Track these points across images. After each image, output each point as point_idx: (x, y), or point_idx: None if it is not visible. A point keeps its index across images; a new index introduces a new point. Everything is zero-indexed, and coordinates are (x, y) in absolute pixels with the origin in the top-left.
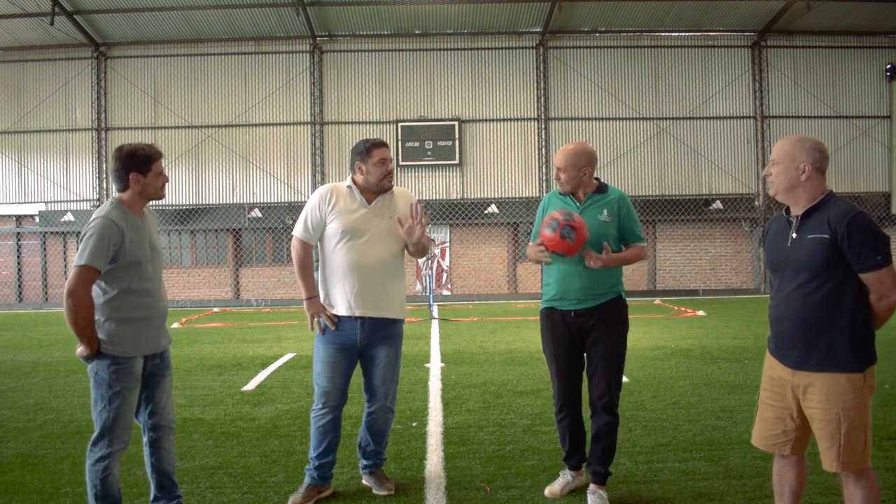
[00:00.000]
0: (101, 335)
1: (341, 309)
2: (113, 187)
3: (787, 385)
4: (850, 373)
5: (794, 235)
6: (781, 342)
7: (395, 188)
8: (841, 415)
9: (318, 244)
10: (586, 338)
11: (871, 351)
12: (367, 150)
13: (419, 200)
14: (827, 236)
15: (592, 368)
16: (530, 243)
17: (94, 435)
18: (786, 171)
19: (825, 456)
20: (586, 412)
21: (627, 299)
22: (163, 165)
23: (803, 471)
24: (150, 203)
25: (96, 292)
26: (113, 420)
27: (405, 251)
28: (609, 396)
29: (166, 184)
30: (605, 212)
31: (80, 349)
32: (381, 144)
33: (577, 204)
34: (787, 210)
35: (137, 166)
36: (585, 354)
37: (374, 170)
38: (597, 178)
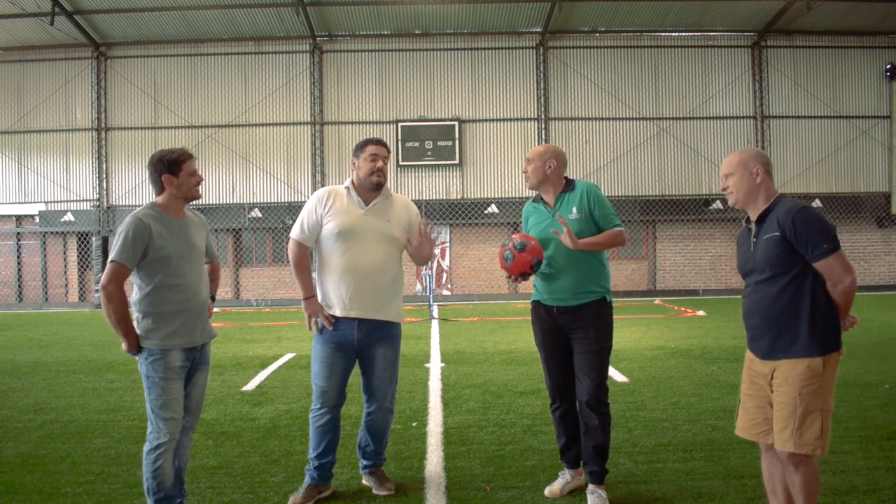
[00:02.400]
0: (139, 330)
1: (337, 310)
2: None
3: (760, 375)
4: (810, 357)
5: (755, 240)
6: (753, 336)
7: (394, 194)
8: (798, 398)
9: (317, 245)
10: (569, 334)
11: (833, 339)
12: (361, 146)
13: (418, 201)
14: (777, 233)
15: (578, 366)
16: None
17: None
18: (742, 178)
19: (779, 436)
20: None
21: (627, 299)
22: (195, 166)
23: None
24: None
25: (135, 288)
26: (156, 411)
27: (406, 254)
28: (594, 394)
29: (200, 183)
30: (574, 210)
31: (122, 345)
32: (376, 142)
33: (549, 209)
34: (748, 220)
35: (168, 168)
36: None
37: (364, 164)
38: (565, 178)
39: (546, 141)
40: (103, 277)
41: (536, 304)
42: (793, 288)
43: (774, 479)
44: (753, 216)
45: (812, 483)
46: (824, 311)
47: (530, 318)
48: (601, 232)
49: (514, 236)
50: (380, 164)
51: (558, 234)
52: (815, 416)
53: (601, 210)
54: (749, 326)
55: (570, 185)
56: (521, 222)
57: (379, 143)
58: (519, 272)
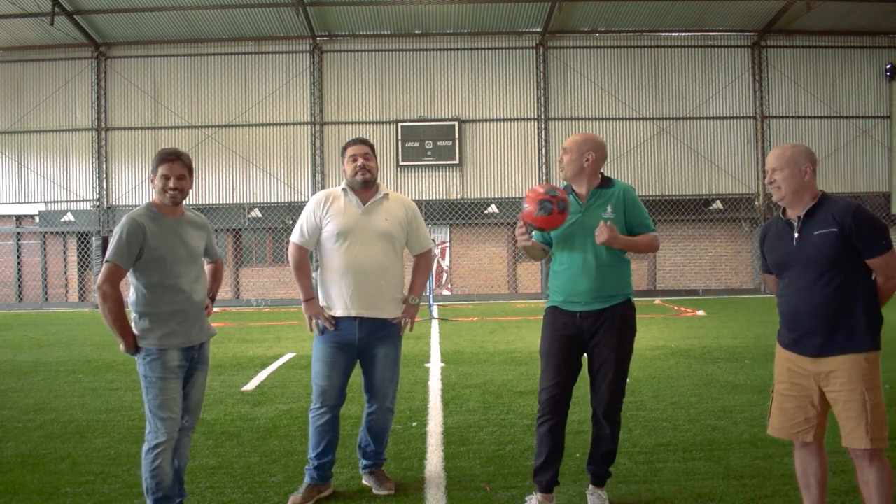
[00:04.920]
0: (136, 330)
1: (338, 310)
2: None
3: (808, 375)
4: (868, 351)
5: (798, 235)
6: (801, 335)
7: (392, 193)
8: (865, 394)
9: (317, 247)
10: (590, 340)
11: (879, 333)
12: (343, 149)
13: (418, 201)
14: (835, 230)
15: (595, 373)
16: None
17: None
18: (792, 175)
19: (854, 435)
20: (570, 425)
21: None
22: (176, 170)
23: (824, 460)
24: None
25: (132, 289)
26: (154, 410)
27: (406, 252)
28: (612, 403)
29: (176, 190)
30: (608, 209)
31: (120, 345)
32: (353, 143)
33: (580, 202)
34: (784, 212)
35: (152, 168)
36: (587, 357)
37: (348, 166)
38: (601, 173)
39: (546, 141)
40: (99, 278)
41: (553, 310)
42: (848, 284)
43: (808, 474)
44: (797, 212)
45: (887, 480)
46: (875, 305)
47: (542, 324)
48: (631, 233)
49: (543, 191)
50: (360, 161)
51: (604, 234)
52: (880, 409)
53: (637, 214)
54: (795, 326)
55: (607, 182)
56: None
57: (357, 142)
58: (540, 226)
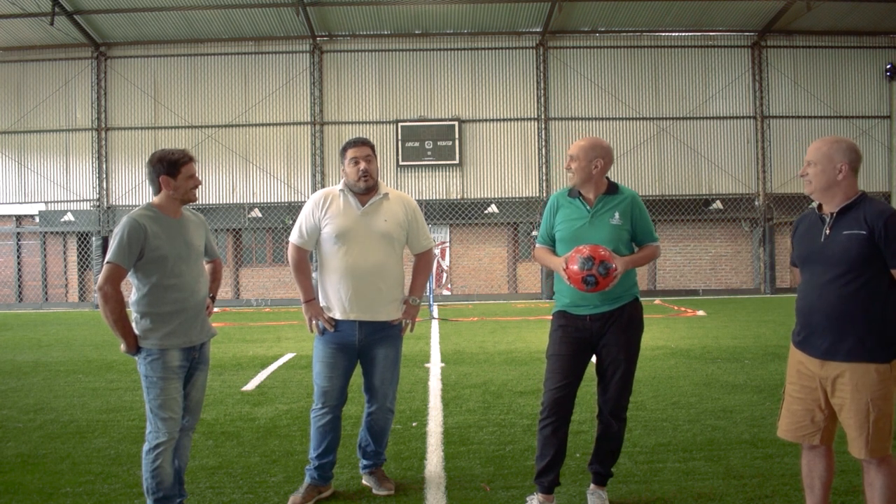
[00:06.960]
0: (137, 330)
1: (337, 312)
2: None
3: (815, 377)
4: (879, 363)
5: (828, 231)
6: (811, 333)
7: (393, 191)
8: (870, 404)
9: (317, 247)
10: (599, 341)
11: None
12: (343, 150)
13: (418, 201)
14: (864, 232)
15: (604, 372)
16: (539, 246)
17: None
18: (824, 171)
19: (853, 444)
20: (570, 425)
21: None
22: (195, 169)
23: (832, 462)
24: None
25: (133, 289)
26: (155, 410)
27: (406, 253)
28: (620, 401)
29: (198, 187)
30: (616, 215)
31: (121, 345)
32: (355, 143)
33: (588, 207)
34: (820, 207)
35: (167, 170)
36: (596, 357)
37: (349, 169)
38: (607, 178)
39: (546, 141)
40: (100, 279)
41: (562, 314)
42: (866, 290)
43: (814, 475)
44: (830, 208)
45: (893, 485)
46: (893, 316)
47: (550, 327)
48: (636, 241)
49: (586, 252)
50: (363, 165)
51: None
52: (885, 421)
53: (644, 223)
54: (807, 323)
55: (613, 188)
56: (521, 222)
57: (357, 144)
58: (574, 285)
